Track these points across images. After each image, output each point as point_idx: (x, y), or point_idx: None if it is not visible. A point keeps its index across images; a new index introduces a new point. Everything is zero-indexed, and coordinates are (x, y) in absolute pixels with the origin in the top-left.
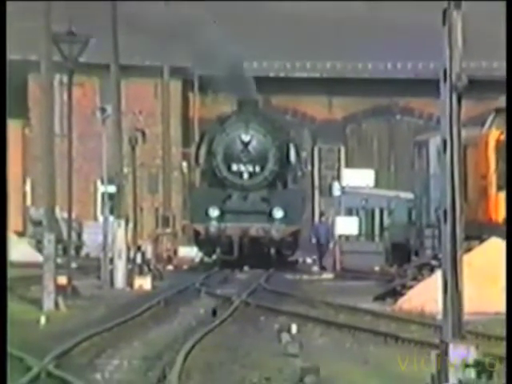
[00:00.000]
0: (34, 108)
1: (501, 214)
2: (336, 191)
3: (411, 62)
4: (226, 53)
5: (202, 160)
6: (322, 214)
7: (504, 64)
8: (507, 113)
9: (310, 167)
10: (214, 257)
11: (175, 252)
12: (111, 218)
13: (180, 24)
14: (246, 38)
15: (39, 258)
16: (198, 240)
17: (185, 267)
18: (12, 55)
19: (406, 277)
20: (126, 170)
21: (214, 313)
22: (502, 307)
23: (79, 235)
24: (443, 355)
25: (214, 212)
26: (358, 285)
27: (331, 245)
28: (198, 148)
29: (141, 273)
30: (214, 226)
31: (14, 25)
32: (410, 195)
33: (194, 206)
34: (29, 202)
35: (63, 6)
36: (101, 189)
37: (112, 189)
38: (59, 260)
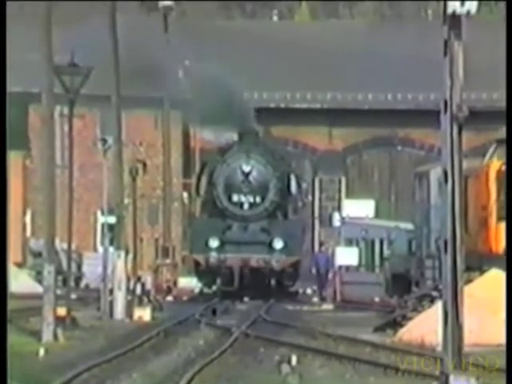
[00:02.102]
0: (34, 139)
1: (501, 245)
2: (336, 222)
3: (411, 92)
4: (226, 84)
5: (202, 191)
6: (321, 244)
7: (504, 94)
8: (507, 125)
9: (310, 198)
10: (214, 287)
11: (175, 283)
12: (111, 249)
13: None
14: (246, 68)
15: (39, 289)
16: (198, 270)
17: (185, 298)
18: (13, 87)
19: (406, 308)
20: (126, 200)
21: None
22: (502, 339)
23: (79, 266)
24: None
25: (214, 242)
26: (358, 316)
27: (331, 275)
28: (199, 179)
29: (140, 304)
30: (214, 256)
31: (15, 57)
32: (410, 226)
33: (194, 236)
34: (29, 233)
35: (64, 38)
36: (101, 219)
37: (112, 220)
38: (59, 291)
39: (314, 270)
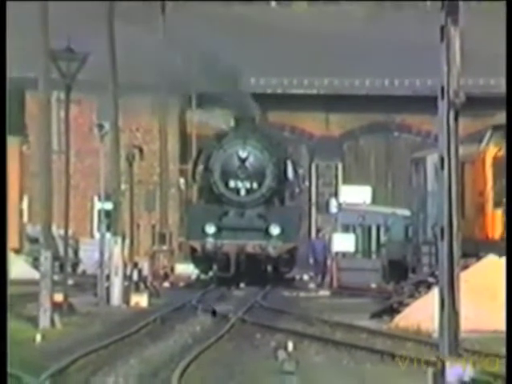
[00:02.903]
0: (31, 125)
1: (498, 231)
2: (333, 208)
3: (408, 78)
4: (225, 68)
5: (198, 177)
6: (318, 231)
7: (502, 81)
8: (507, 112)
9: (307, 184)
10: (211, 274)
11: (172, 269)
12: (108, 235)
13: (179, 39)
14: (243, 54)
15: (36, 275)
16: (194, 257)
17: (181, 284)
18: (9, 72)
19: (402, 294)
20: (123, 186)
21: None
22: (499, 325)
23: (76, 252)
24: (440, 373)
25: (211, 229)
26: (355, 302)
27: (328, 261)
28: (195, 164)
29: (137, 290)
30: (210, 242)
31: (11, 42)
32: (406, 212)
33: (191, 222)
34: (25, 219)
35: (61, 23)
36: (98, 205)
37: (109, 206)
38: (56, 277)
39: (311, 257)
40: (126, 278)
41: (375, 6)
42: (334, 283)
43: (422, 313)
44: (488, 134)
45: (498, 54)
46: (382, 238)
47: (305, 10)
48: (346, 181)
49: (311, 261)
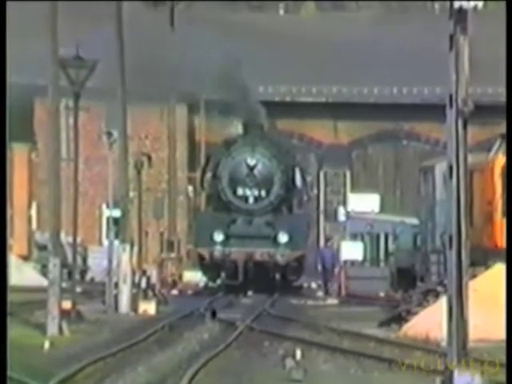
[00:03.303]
0: (40, 132)
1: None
2: (341, 216)
3: (417, 87)
4: (236, 76)
5: (207, 184)
6: (328, 239)
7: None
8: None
9: (315, 191)
10: (219, 281)
11: (180, 276)
12: (116, 243)
13: (188, 48)
14: (251, 62)
15: (44, 282)
16: (202, 264)
17: (189, 292)
18: (18, 79)
19: (411, 303)
20: (131, 194)
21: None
22: None
23: (84, 260)
24: (448, 382)
25: (219, 236)
26: (363, 310)
27: (336, 270)
28: (204, 172)
29: (145, 297)
30: (218, 250)
31: (20, 48)
32: (415, 220)
33: (199, 230)
34: (34, 226)
35: (70, 30)
36: (106, 213)
37: (117, 213)
38: (64, 284)
39: (319, 266)
40: (135, 285)
41: (383, 12)
42: (342, 291)
43: (431, 321)
44: (497, 143)
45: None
46: (391, 247)
47: (313, 16)
48: (354, 189)
49: (320, 268)
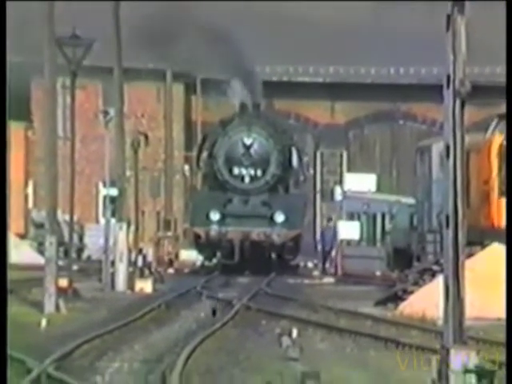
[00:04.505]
0: (36, 111)
1: (503, 219)
2: (338, 196)
3: (414, 67)
4: (238, 55)
5: (203, 163)
6: (329, 219)
7: None
8: (507, 106)
9: (312, 171)
10: (215, 261)
11: (176, 255)
12: (113, 221)
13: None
14: (248, 42)
15: (41, 260)
16: (198, 244)
17: (186, 271)
18: (15, 57)
19: (407, 282)
20: (128, 173)
21: (214, 313)
22: (503, 313)
23: (81, 238)
24: (444, 360)
25: (215, 216)
26: (360, 289)
27: (334, 249)
28: (200, 151)
29: (142, 276)
30: (214, 229)
31: (16, 27)
32: (411, 200)
33: (195, 209)
34: (31, 204)
35: (67, 9)
36: (103, 192)
37: (114, 192)
38: (61, 262)
39: (319, 246)
40: (131, 263)
41: None
42: (338, 270)
43: (427, 300)
44: (494, 123)
45: (504, 43)
46: (387, 226)
47: None
48: (350, 169)
49: (319, 248)
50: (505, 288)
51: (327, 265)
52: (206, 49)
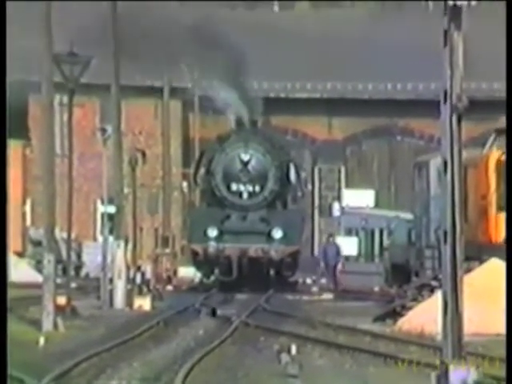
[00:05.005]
0: (34, 128)
1: (501, 235)
2: (336, 211)
3: (411, 82)
4: (230, 68)
5: (200, 180)
6: (330, 235)
7: (505, 85)
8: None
9: (310, 187)
10: (213, 278)
11: (175, 272)
12: (111, 239)
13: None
14: (246, 58)
15: (39, 278)
16: (196, 260)
17: (184, 287)
18: (13, 76)
19: (405, 297)
20: (126, 190)
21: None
22: (502, 328)
23: (79, 255)
24: (443, 376)
25: (213, 232)
26: (358, 305)
27: (340, 266)
28: (197, 167)
29: (140, 293)
30: (212, 246)
31: (14, 44)
32: (409, 216)
33: (193, 226)
34: (28, 222)
35: (64, 26)
36: (100, 209)
37: (112, 209)
38: (59, 280)
39: (322, 262)
40: (129, 281)
41: (378, 9)
42: (337, 286)
43: (426, 316)
44: (491, 138)
45: (502, 58)
46: (385, 242)
47: (307, 13)
48: (348, 185)
49: (322, 265)
50: (505, 302)
51: (324, 280)
52: (203, 64)
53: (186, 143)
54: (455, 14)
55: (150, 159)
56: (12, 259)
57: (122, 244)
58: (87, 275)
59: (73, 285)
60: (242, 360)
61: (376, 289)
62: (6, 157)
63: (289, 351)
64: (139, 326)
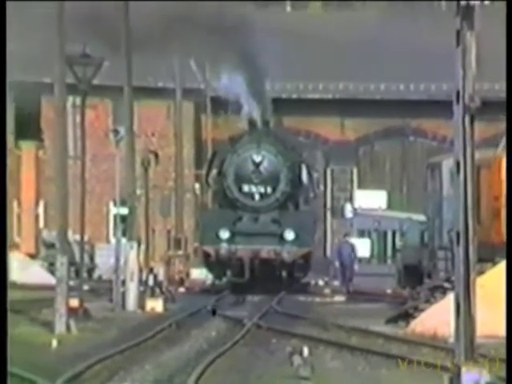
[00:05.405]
0: (47, 130)
1: None
2: (348, 213)
3: (424, 83)
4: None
5: (212, 181)
6: (346, 235)
7: None
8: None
9: (322, 188)
10: (225, 279)
11: (187, 274)
12: (123, 240)
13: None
14: (258, 59)
15: (51, 280)
16: (208, 262)
17: (197, 289)
18: (25, 77)
19: (418, 299)
20: (138, 191)
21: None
22: None
23: (91, 257)
24: (456, 378)
25: (225, 234)
26: (370, 307)
27: (356, 266)
28: (209, 169)
29: (153, 295)
30: (224, 248)
31: (28, 46)
32: (422, 217)
33: (205, 227)
34: (41, 224)
35: (77, 27)
36: (113, 211)
37: (124, 211)
38: (71, 282)
39: (336, 263)
40: (142, 283)
41: (390, 9)
42: (349, 288)
43: (438, 318)
44: (504, 139)
45: None
46: (398, 243)
47: (319, 14)
48: (361, 185)
49: (337, 265)
50: (504, 303)
51: (351, 284)
52: (214, 63)
53: (199, 144)
54: (468, 13)
55: (163, 160)
56: (25, 261)
57: (135, 246)
58: (100, 277)
59: (85, 287)
60: (254, 362)
61: (388, 290)
62: (5, 156)
63: (301, 353)
64: (152, 328)
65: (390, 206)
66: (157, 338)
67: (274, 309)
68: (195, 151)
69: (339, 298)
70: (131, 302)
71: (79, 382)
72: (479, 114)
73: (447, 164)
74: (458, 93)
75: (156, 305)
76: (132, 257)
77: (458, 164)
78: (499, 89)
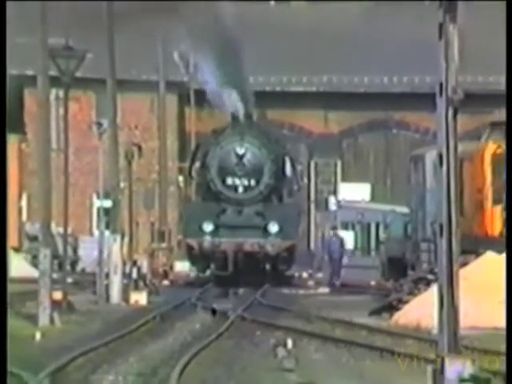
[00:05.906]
0: (30, 123)
1: (496, 228)
2: (332, 205)
3: (407, 75)
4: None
5: (195, 173)
6: (334, 228)
7: (501, 78)
8: (507, 111)
9: (306, 181)
10: (208, 272)
11: (171, 267)
12: (107, 233)
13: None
14: (241, 51)
15: (35, 273)
16: (191, 255)
17: (181, 282)
18: (8, 70)
19: (402, 291)
20: (122, 184)
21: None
22: (498, 322)
23: (75, 250)
24: (439, 370)
25: (208, 227)
26: (354, 299)
27: (345, 260)
28: (192, 161)
29: (136, 288)
30: (207, 240)
31: (10, 39)
32: (405, 209)
33: (188, 220)
34: (24, 217)
35: (60, 20)
36: (96, 203)
37: (108, 203)
38: (55, 275)
39: (325, 256)
40: (125, 275)
41: (373, 2)
42: (336, 283)
43: (422, 310)
44: (487, 131)
45: (497, 52)
46: (381, 236)
47: (303, 7)
48: (344, 178)
49: (326, 258)
50: (504, 295)
51: (338, 278)
52: (198, 56)
53: (183, 137)
54: (450, 6)
55: (146, 153)
56: (8, 254)
57: (118, 238)
58: (83, 270)
59: (69, 280)
60: (238, 354)
61: (372, 282)
62: (6, 154)
63: (285, 345)
64: (135, 321)
65: (373, 199)
66: (141, 330)
67: (259, 301)
68: (179, 144)
69: (323, 290)
70: (115, 294)
71: (63, 375)
72: (462, 106)
73: (430, 156)
74: (440, 85)
75: (140, 297)
76: (115, 249)
77: (440, 156)
78: (482, 81)
